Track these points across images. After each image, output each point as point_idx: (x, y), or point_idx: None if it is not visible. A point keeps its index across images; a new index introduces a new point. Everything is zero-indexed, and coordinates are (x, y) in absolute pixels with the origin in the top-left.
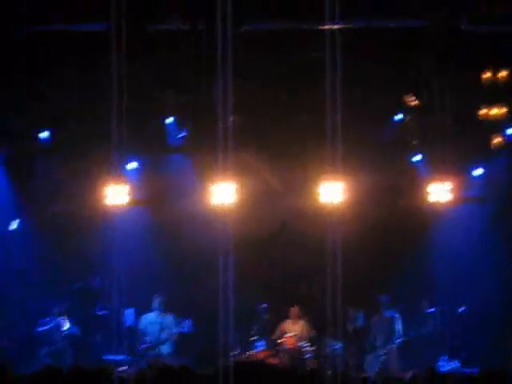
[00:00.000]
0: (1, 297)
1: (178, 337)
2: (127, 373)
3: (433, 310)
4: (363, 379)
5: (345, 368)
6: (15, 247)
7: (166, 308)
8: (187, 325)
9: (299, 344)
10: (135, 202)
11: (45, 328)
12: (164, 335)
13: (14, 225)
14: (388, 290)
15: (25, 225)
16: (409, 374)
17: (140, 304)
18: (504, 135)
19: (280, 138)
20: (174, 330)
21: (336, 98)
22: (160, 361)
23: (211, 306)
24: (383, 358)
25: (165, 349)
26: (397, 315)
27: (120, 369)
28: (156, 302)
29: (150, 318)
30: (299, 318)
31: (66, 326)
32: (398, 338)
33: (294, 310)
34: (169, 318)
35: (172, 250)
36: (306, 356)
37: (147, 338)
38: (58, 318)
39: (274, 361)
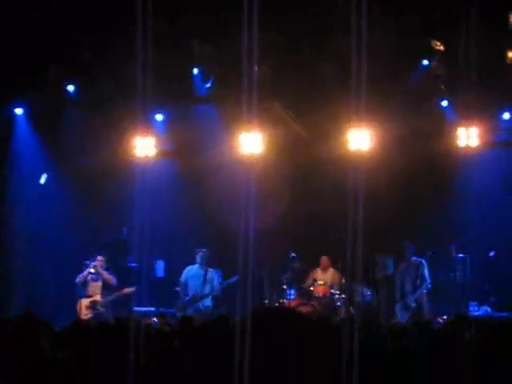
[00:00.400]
0: (34, 253)
1: (221, 290)
2: (156, 324)
3: (462, 255)
4: (395, 326)
5: (376, 315)
6: (45, 200)
7: (208, 261)
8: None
9: (330, 292)
10: (163, 154)
11: (80, 279)
12: (207, 289)
13: (43, 178)
14: (416, 236)
15: (54, 178)
16: (441, 319)
17: (170, 256)
18: None
19: (306, 86)
20: (216, 284)
21: (361, 46)
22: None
23: (239, 256)
24: (414, 304)
25: (206, 303)
26: (423, 260)
27: (150, 320)
28: (199, 256)
29: (193, 271)
30: (329, 266)
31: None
32: (427, 284)
33: (324, 259)
34: (212, 272)
35: (200, 201)
36: (337, 304)
37: (189, 291)
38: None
39: (305, 309)
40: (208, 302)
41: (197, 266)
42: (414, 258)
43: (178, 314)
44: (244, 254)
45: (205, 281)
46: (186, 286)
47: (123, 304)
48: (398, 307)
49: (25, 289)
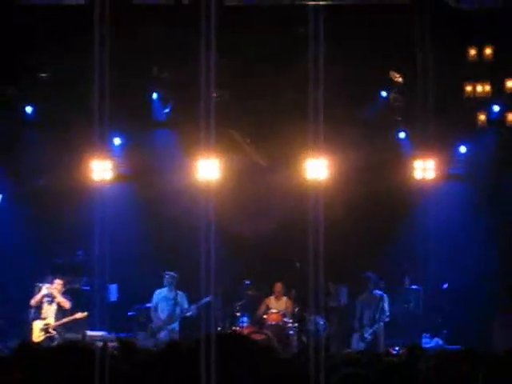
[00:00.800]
0: None
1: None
2: (111, 348)
3: (415, 286)
4: (348, 356)
5: (327, 344)
6: (0, 221)
7: (177, 284)
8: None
9: (283, 320)
10: (120, 178)
11: (35, 301)
12: (178, 311)
13: None
14: (371, 266)
15: (9, 199)
16: (393, 350)
17: (124, 280)
18: (488, 113)
19: (264, 113)
20: (185, 306)
21: (319, 75)
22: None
23: (194, 281)
24: (370, 336)
25: (175, 326)
26: (385, 295)
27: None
28: (166, 279)
29: (163, 294)
30: (283, 294)
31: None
32: (386, 317)
33: (278, 286)
34: (181, 295)
35: (156, 226)
36: (290, 332)
37: (161, 315)
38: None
39: (258, 337)
40: (175, 325)
41: (166, 289)
42: (375, 291)
43: (151, 338)
44: (204, 278)
45: (175, 304)
46: (156, 309)
47: (76, 328)
48: (354, 338)
49: None
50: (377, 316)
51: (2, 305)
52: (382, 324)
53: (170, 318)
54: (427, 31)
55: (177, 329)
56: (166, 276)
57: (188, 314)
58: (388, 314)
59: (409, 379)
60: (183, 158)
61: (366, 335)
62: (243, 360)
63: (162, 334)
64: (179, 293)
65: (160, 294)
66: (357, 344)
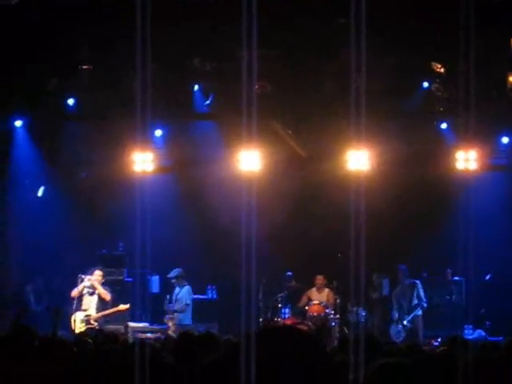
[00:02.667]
0: (31, 262)
1: (198, 306)
2: (149, 339)
3: (458, 278)
4: (389, 347)
5: (369, 335)
6: (42, 214)
7: (182, 279)
8: (210, 292)
9: (325, 312)
10: (161, 169)
11: (76, 292)
12: (177, 306)
13: (40, 191)
14: (413, 258)
15: (51, 191)
16: (435, 342)
17: (165, 271)
18: None
19: (306, 105)
20: (187, 302)
21: (361, 66)
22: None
23: (236, 273)
24: (409, 325)
25: (182, 319)
26: (418, 282)
27: (143, 335)
28: (172, 273)
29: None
30: (325, 285)
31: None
32: (422, 304)
33: (319, 278)
34: (183, 290)
35: (197, 217)
36: (332, 323)
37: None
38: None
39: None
40: (184, 317)
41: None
42: (408, 280)
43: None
44: (245, 269)
45: (175, 299)
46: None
47: (117, 319)
48: (392, 328)
49: (19, 301)
50: (413, 303)
51: (48, 296)
52: (419, 312)
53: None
54: (470, 21)
55: (184, 321)
56: (172, 272)
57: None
58: (425, 300)
59: (448, 370)
60: (224, 149)
61: (405, 322)
62: (288, 350)
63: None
64: (182, 288)
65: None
66: (395, 335)
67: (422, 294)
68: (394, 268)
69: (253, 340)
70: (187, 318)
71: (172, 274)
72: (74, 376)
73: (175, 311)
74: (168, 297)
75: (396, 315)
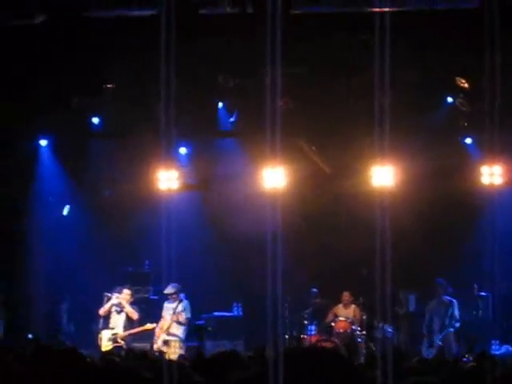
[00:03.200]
0: (57, 280)
1: (224, 323)
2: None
3: (484, 293)
4: (418, 363)
5: (398, 351)
6: (67, 232)
7: (179, 293)
8: (236, 309)
9: (351, 328)
10: (186, 187)
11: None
12: (174, 325)
13: (66, 209)
14: (439, 273)
15: (76, 210)
16: (464, 359)
17: (191, 289)
18: None
19: (330, 121)
20: (188, 315)
21: (385, 82)
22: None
23: (262, 290)
24: (440, 343)
25: (177, 332)
26: (455, 301)
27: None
28: (169, 289)
29: (166, 304)
30: (351, 302)
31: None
32: (456, 323)
33: (346, 295)
34: (181, 305)
35: (221, 235)
36: (358, 340)
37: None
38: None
39: (325, 345)
40: (181, 332)
41: (171, 301)
42: (444, 297)
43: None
44: (271, 286)
45: (174, 313)
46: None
47: (143, 337)
48: (424, 344)
49: (45, 317)
50: (446, 322)
51: (73, 314)
52: (451, 330)
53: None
54: (494, 36)
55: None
56: (169, 287)
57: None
58: (458, 319)
59: None
60: (249, 166)
61: (437, 341)
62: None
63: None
64: (181, 301)
65: (166, 305)
66: (426, 351)
67: (456, 313)
68: (431, 282)
69: (280, 360)
70: (183, 333)
71: (171, 290)
72: None
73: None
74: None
75: (426, 330)
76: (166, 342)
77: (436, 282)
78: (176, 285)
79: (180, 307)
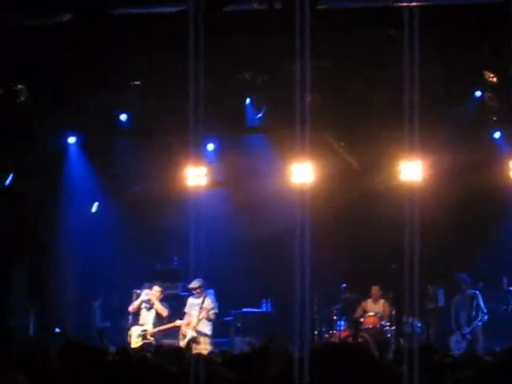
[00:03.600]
0: (86, 276)
1: (253, 319)
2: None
3: None
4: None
5: (425, 347)
6: (96, 229)
7: (204, 289)
8: (265, 305)
9: (380, 323)
10: (214, 183)
11: (133, 307)
12: (203, 322)
13: (94, 207)
14: (469, 268)
15: (105, 207)
16: (493, 353)
17: (220, 285)
18: None
19: (357, 116)
20: (213, 311)
21: (413, 76)
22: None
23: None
24: (469, 336)
25: (205, 329)
26: (478, 292)
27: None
28: (194, 283)
29: (191, 300)
30: (380, 297)
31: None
32: (484, 315)
33: (375, 290)
34: (207, 300)
35: (250, 230)
36: (387, 335)
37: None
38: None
39: (355, 340)
40: (207, 327)
41: (193, 296)
42: (468, 291)
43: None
44: (300, 282)
45: (201, 309)
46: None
47: (173, 333)
48: (452, 339)
49: (75, 314)
50: (473, 315)
51: (104, 311)
52: (479, 324)
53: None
54: None
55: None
56: (193, 282)
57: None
58: (486, 311)
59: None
60: (277, 162)
61: (465, 335)
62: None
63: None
64: (206, 298)
65: (191, 300)
66: (455, 345)
67: (482, 304)
68: (454, 277)
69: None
70: (209, 328)
71: (195, 284)
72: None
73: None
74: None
75: (454, 325)
76: (194, 340)
77: (457, 278)
78: (201, 280)
79: (206, 303)
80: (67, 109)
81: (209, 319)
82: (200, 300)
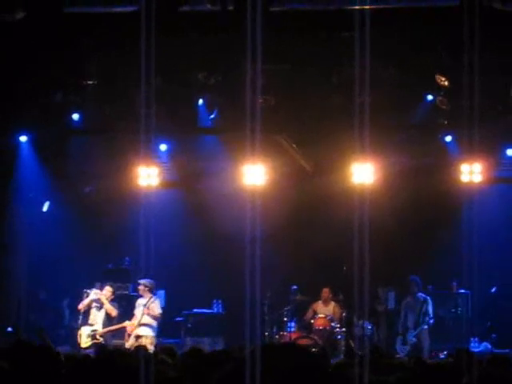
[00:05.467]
0: (34, 275)
1: (204, 320)
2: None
3: (463, 291)
4: (394, 360)
5: (375, 349)
6: (47, 228)
7: (152, 290)
8: (216, 306)
9: (330, 325)
10: (166, 184)
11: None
12: (146, 318)
13: (45, 206)
14: (418, 271)
15: (56, 206)
16: (442, 355)
17: (170, 286)
18: None
19: (310, 118)
20: (158, 311)
21: (365, 79)
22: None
23: (241, 287)
24: (414, 339)
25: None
26: (429, 298)
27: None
28: (140, 287)
29: (139, 301)
30: (331, 299)
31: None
32: (430, 320)
33: (325, 292)
34: (154, 300)
35: (201, 231)
36: (338, 337)
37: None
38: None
39: (305, 342)
40: (147, 329)
41: (142, 297)
42: (419, 294)
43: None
44: (250, 283)
45: (148, 309)
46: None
47: (122, 334)
48: (398, 341)
49: (22, 313)
50: (420, 319)
51: (51, 310)
52: (425, 327)
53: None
54: (474, 34)
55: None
56: (139, 285)
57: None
58: (432, 316)
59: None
60: (229, 163)
61: (410, 338)
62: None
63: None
64: (152, 297)
65: (138, 301)
66: (400, 348)
67: (430, 310)
68: (406, 279)
69: (257, 357)
70: (150, 329)
71: (141, 281)
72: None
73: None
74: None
75: (400, 328)
76: (137, 337)
77: (410, 280)
78: (149, 280)
79: (152, 303)
80: (19, 107)
81: (152, 316)
82: (145, 300)
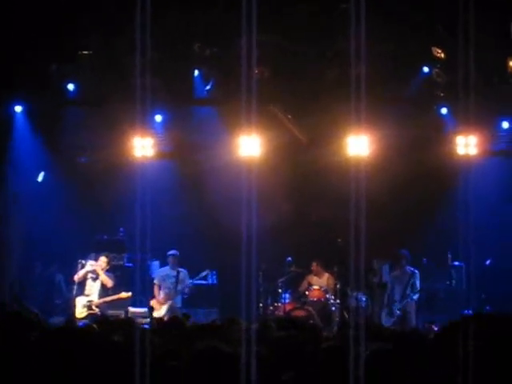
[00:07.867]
0: (28, 248)
1: (198, 291)
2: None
3: (458, 263)
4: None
5: (369, 320)
6: (42, 199)
7: (179, 262)
8: (210, 276)
9: (325, 297)
10: (161, 155)
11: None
12: (179, 288)
13: (40, 176)
14: (413, 243)
15: (51, 176)
16: (435, 327)
17: (165, 257)
18: None
19: (305, 90)
20: (187, 284)
21: (361, 51)
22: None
23: (236, 258)
24: (398, 312)
25: (177, 301)
26: (417, 271)
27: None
28: (170, 258)
29: (165, 271)
30: (324, 270)
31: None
32: (416, 293)
33: (314, 266)
34: (183, 272)
35: (197, 202)
36: (332, 309)
37: (161, 292)
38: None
39: (299, 313)
40: (177, 300)
41: (167, 267)
42: (407, 267)
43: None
44: (245, 255)
45: (176, 281)
46: (159, 287)
47: (118, 304)
48: (383, 313)
49: (16, 285)
50: (407, 292)
51: (46, 282)
52: (411, 300)
53: (169, 295)
54: (470, 5)
55: (178, 305)
56: (169, 256)
57: (186, 290)
58: (418, 290)
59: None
60: (224, 134)
61: (395, 310)
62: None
63: (163, 310)
64: (181, 270)
65: (162, 272)
66: (385, 319)
67: (417, 284)
68: (396, 253)
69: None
70: (179, 300)
71: (174, 252)
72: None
73: (176, 294)
74: (157, 284)
75: (386, 300)
76: (173, 309)
77: (399, 253)
78: (172, 253)
79: (182, 277)
80: (14, 77)
81: (184, 293)
82: (175, 273)
